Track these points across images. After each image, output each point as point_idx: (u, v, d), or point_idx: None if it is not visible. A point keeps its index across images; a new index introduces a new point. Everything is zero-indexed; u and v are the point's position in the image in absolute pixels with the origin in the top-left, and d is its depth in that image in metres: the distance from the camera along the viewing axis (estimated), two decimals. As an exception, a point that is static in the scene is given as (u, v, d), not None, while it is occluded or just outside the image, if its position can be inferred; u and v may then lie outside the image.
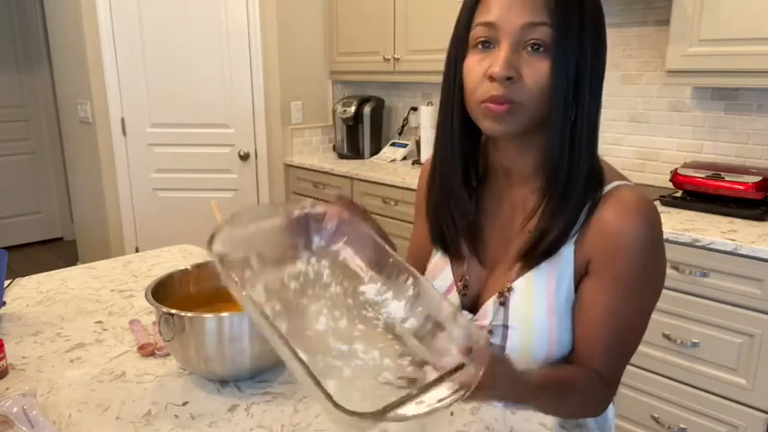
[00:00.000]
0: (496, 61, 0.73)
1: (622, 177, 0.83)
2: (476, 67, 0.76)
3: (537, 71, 0.73)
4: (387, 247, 0.74)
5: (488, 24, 0.74)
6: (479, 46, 0.76)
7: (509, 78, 0.73)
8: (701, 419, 1.82)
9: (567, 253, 0.80)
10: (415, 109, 3.26)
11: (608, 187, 0.79)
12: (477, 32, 0.76)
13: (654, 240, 0.78)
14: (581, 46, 0.73)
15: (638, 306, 0.80)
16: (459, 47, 0.80)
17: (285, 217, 0.76)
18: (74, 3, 3.08)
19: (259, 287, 0.70)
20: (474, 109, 0.78)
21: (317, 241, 0.78)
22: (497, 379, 0.61)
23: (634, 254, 0.76)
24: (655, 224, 0.78)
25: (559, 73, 0.73)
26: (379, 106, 3.30)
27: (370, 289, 0.73)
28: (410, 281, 0.70)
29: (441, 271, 0.92)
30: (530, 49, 0.73)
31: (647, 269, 0.78)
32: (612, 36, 2.38)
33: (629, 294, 0.78)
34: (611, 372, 0.81)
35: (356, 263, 0.76)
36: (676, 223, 1.84)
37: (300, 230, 0.76)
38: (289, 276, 0.74)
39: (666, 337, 1.83)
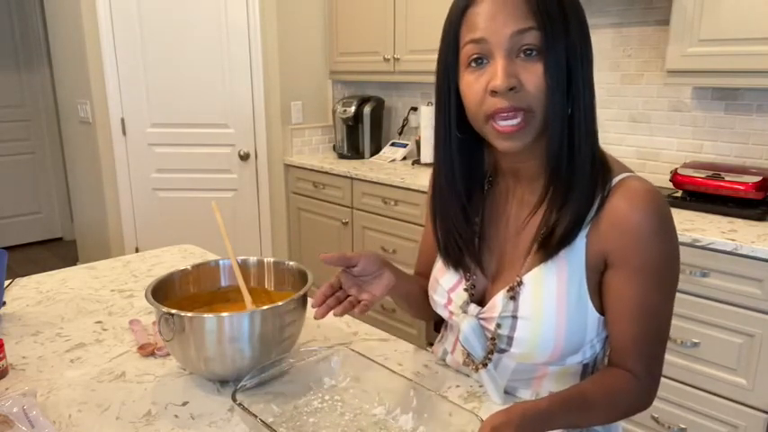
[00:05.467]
0: (495, 74, 0.73)
1: (628, 169, 0.84)
2: (474, 84, 0.76)
3: (536, 75, 0.74)
4: None
5: (478, 41, 0.74)
6: (473, 63, 0.76)
7: (512, 89, 0.73)
8: (701, 419, 1.82)
9: (579, 245, 0.80)
10: (415, 109, 3.26)
11: (616, 179, 0.80)
12: (467, 51, 0.76)
13: (669, 225, 0.80)
14: (569, 42, 0.74)
15: (665, 291, 0.81)
16: (450, 69, 0.80)
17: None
18: (74, 3, 3.08)
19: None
20: (483, 128, 0.78)
21: (327, 381, 0.91)
22: None
23: (653, 241, 0.78)
24: (666, 210, 0.80)
25: (553, 72, 0.73)
26: (379, 106, 3.30)
27: (380, 410, 0.84)
28: (412, 392, 0.82)
29: (448, 269, 0.93)
30: (523, 55, 0.74)
31: (666, 255, 0.80)
32: (612, 36, 2.38)
33: (654, 282, 0.79)
34: (650, 362, 0.82)
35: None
36: (676, 223, 1.82)
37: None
38: (307, 414, 0.85)
39: (666, 337, 1.83)
